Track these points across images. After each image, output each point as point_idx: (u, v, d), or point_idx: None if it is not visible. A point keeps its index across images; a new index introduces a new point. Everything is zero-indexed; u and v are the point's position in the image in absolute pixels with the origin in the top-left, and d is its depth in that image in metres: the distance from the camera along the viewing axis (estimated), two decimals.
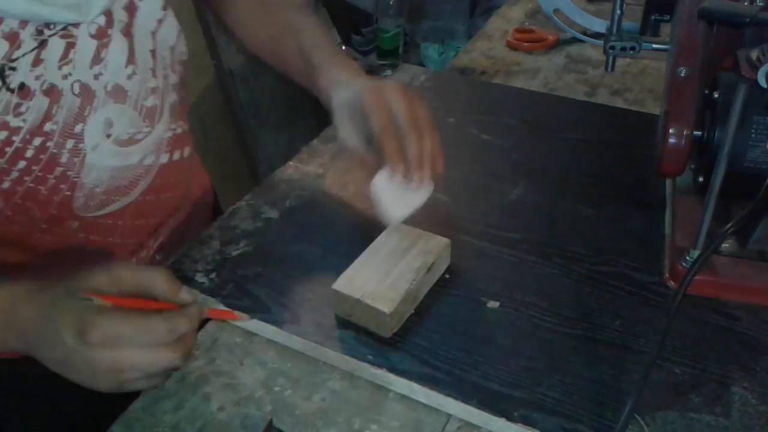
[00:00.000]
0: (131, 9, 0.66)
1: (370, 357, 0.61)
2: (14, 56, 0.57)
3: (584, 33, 1.19)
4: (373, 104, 0.63)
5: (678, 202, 0.75)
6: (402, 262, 0.65)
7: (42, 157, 0.61)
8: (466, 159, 0.86)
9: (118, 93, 0.65)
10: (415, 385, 0.59)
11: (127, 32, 0.66)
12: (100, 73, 0.64)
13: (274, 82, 1.77)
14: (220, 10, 0.82)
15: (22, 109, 0.59)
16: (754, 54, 0.58)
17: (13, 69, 0.57)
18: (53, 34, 0.60)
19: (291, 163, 0.87)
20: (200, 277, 0.69)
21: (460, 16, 2.37)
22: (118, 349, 0.48)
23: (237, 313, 0.60)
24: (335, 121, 0.68)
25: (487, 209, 0.78)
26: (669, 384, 0.59)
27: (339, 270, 0.65)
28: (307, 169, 0.86)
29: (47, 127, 0.61)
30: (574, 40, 1.19)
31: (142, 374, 0.50)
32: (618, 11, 0.75)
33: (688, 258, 0.67)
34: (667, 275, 0.69)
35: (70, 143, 0.63)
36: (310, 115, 2.07)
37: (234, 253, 0.73)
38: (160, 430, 0.57)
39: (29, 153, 0.60)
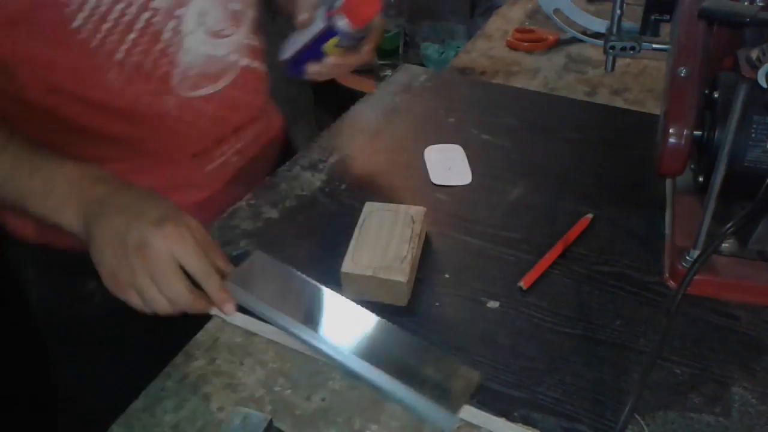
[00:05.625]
0: None
1: None
2: None
3: (584, 33, 1.19)
4: None
5: (678, 202, 0.75)
6: (395, 234, 0.69)
7: (148, 30, 0.72)
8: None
9: None
10: None
11: None
12: None
13: (274, 82, 1.77)
14: None
15: None
16: (754, 54, 0.58)
17: None
18: None
19: (291, 163, 0.87)
20: None
21: (460, 16, 2.37)
22: (161, 254, 0.60)
23: None
24: None
25: (487, 209, 0.78)
26: (669, 384, 0.59)
27: (339, 270, 0.65)
28: (307, 169, 0.86)
29: (154, 3, 0.71)
30: (574, 40, 1.19)
31: (152, 290, 0.61)
32: (618, 11, 0.75)
33: (688, 258, 0.67)
34: (667, 275, 0.69)
35: (171, 23, 0.73)
36: (310, 115, 2.07)
37: (234, 253, 0.73)
38: (160, 430, 0.57)
39: (139, 25, 0.71)
